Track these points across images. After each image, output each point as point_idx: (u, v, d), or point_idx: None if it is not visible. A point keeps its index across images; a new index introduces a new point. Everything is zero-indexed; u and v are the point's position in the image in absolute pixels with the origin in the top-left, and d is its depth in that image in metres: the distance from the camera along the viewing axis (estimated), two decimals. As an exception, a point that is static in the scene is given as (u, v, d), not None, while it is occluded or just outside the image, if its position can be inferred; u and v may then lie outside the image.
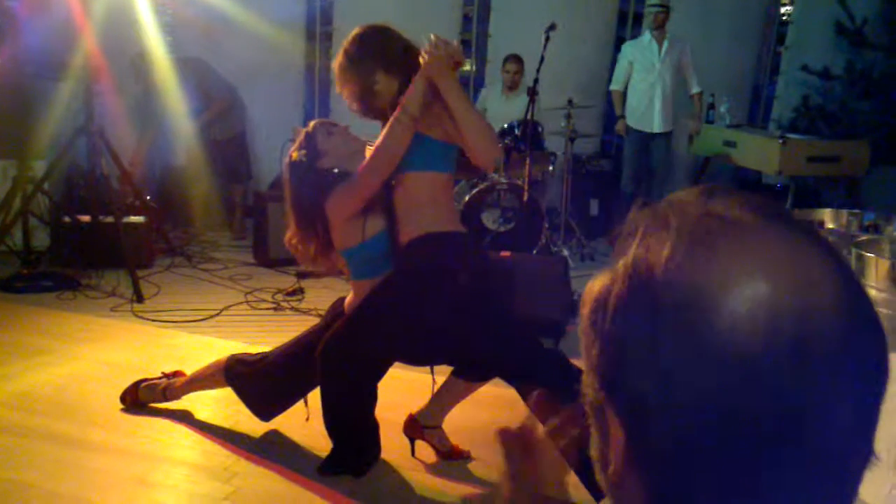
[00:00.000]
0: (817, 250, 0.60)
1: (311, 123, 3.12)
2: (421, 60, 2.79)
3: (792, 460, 0.57)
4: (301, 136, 3.09)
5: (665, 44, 6.78)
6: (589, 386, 0.66)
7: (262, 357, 3.33)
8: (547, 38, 5.75)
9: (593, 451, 0.69)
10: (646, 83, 6.79)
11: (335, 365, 2.96)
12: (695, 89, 6.86)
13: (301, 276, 5.66)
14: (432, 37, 2.79)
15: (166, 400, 3.61)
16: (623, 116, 6.91)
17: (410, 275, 2.94)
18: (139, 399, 3.62)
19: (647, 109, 6.84)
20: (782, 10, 8.30)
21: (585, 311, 0.66)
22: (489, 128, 2.89)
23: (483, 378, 3.30)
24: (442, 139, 2.89)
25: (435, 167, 2.94)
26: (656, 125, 6.83)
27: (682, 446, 0.59)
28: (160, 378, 3.65)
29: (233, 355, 3.44)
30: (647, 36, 6.91)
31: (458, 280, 2.92)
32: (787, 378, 0.56)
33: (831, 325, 0.57)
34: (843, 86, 7.70)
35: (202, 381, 3.51)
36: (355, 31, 3.02)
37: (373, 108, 3.02)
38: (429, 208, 2.95)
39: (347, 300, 3.20)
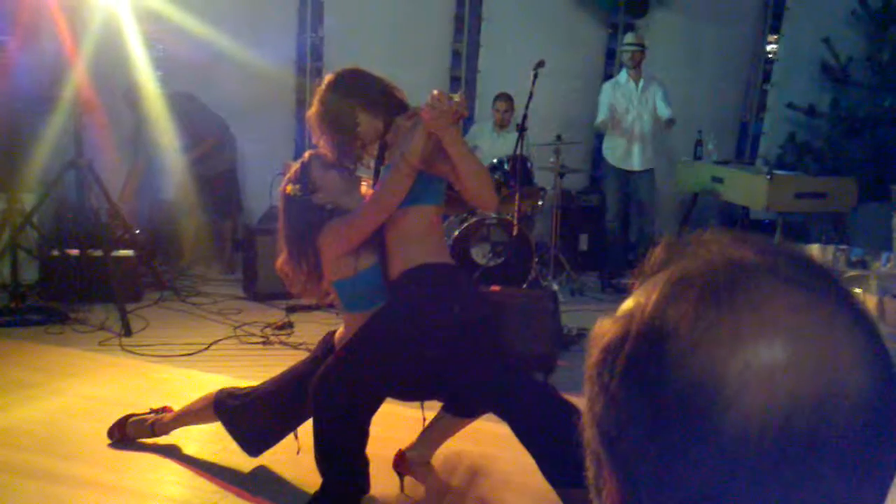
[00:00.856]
0: (846, 323, 0.57)
1: (307, 154, 3.13)
2: (424, 114, 2.80)
3: None
4: (295, 168, 3.09)
5: (641, 82, 6.85)
6: (588, 434, 0.64)
7: (252, 391, 3.31)
8: (535, 75, 5.80)
9: (591, 495, 0.67)
10: (625, 122, 6.85)
11: (328, 399, 2.94)
12: (666, 114, 6.83)
13: (291, 310, 5.65)
14: (435, 92, 2.81)
15: (155, 435, 3.58)
16: (605, 120, 6.92)
17: (402, 307, 2.94)
18: (127, 434, 3.59)
19: (627, 148, 6.88)
20: (767, 48, 8.41)
21: (592, 360, 0.63)
22: (489, 177, 2.93)
23: (473, 413, 3.29)
24: (431, 172, 2.90)
25: (425, 200, 2.95)
26: (636, 163, 6.87)
27: None
28: (148, 413, 3.63)
29: (222, 389, 3.42)
30: (623, 75, 6.98)
31: (451, 312, 2.92)
32: (796, 476, 0.54)
33: (852, 419, 0.54)
34: (828, 123, 7.80)
35: (191, 415, 3.49)
36: (328, 77, 3.03)
37: (352, 152, 3.04)
38: (419, 241, 2.96)
39: (338, 333, 3.20)
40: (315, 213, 3.00)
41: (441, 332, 2.90)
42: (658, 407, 0.57)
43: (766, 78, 8.33)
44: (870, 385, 0.55)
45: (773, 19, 8.31)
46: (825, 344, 0.55)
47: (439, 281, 2.96)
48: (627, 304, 0.64)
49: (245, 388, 3.36)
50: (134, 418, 3.61)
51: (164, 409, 3.62)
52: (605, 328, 0.64)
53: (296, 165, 3.11)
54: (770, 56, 8.39)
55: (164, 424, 3.56)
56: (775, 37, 8.31)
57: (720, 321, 0.56)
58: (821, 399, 0.54)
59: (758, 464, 0.54)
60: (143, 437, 3.58)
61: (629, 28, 7.66)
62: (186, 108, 6.29)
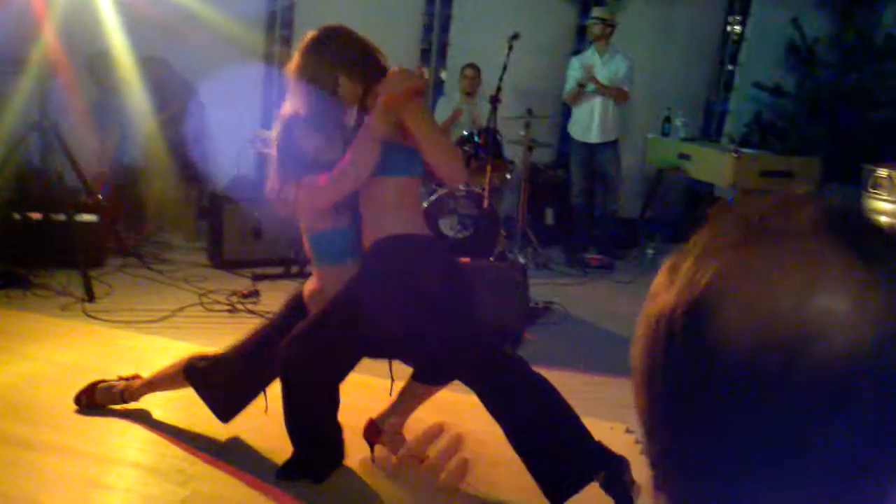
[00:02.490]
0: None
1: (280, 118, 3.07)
2: (381, 95, 2.78)
3: None
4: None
5: (605, 56, 6.86)
6: (640, 402, 0.67)
7: (221, 353, 3.28)
8: (510, 47, 5.79)
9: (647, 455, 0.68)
10: (586, 95, 6.87)
11: (299, 364, 2.92)
12: (622, 85, 6.87)
13: (257, 278, 5.61)
14: (394, 69, 2.78)
15: (124, 402, 3.54)
16: (571, 90, 6.95)
17: (375, 275, 2.92)
18: (96, 401, 3.55)
19: (588, 121, 6.93)
20: (736, 28, 8.45)
21: (644, 329, 0.66)
22: (455, 150, 2.94)
23: (441, 381, 3.29)
24: (408, 144, 2.88)
25: (400, 172, 2.93)
26: (595, 135, 6.91)
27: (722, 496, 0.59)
28: (117, 381, 3.58)
29: (192, 355, 3.39)
30: (591, 49, 7.01)
31: (423, 281, 2.91)
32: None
33: None
34: (793, 103, 7.88)
35: (162, 381, 3.45)
36: (311, 34, 2.99)
37: (330, 114, 3.00)
38: (394, 212, 2.94)
39: (307, 288, 3.18)
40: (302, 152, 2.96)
41: (412, 300, 2.89)
42: (719, 368, 0.57)
43: (734, 58, 8.37)
44: None
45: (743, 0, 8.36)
46: (887, 295, 0.56)
47: (410, 253, 2.95)
48: (680, 271, 0.65)
49: (215, 353, 3.34)
50: (102, 385, 3.56)
51: (134, 377, 3.58)
52: (658, 297, 0.65)
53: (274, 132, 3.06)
54: (734, 37, 8.43)
55: (133, 391, 3.51)
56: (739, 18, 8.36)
57: (778, 278, 0.57)
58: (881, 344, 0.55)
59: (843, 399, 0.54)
60: (111, 405, 3.54)
61: (599, 3, 7.66)
62: (156, 73, 6.18)
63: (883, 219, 3.47)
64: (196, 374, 3.27)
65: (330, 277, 3.01)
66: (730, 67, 8.41)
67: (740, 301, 0.58)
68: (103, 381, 3.58)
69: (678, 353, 0.60)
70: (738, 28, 8.31)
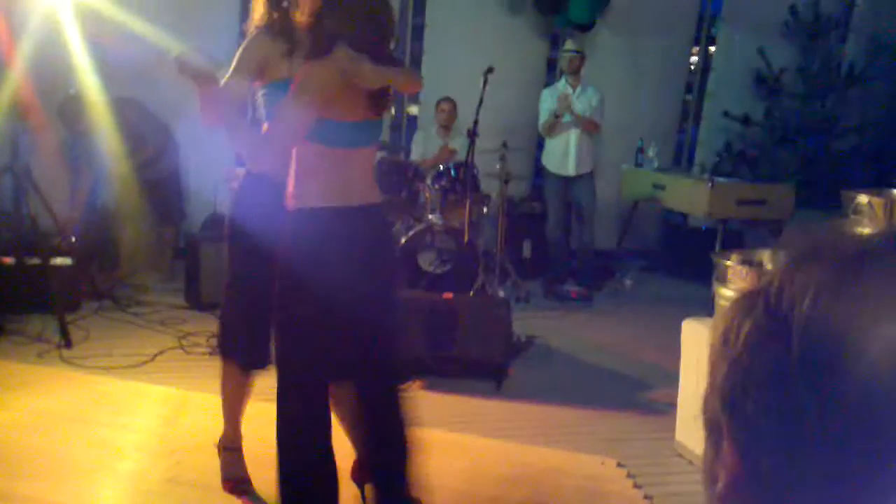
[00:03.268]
0: None
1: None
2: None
3: None
4: None
5: (578, 88, 6.92)
6: (710, 403, 0.66)
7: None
8: (485, 81, 5.83)
9: (704, 465, 0.68)
10: (560, 127, 6.92)
11: (292, 375, 2.87)
12: (594, 117, 6.93)
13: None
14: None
15: (233, 445, 3.43)
16: (547, 121, 6.98)
17: (299, 254, 2.79)
18: (231, 476, 3.40)
19: (563, 153, 6.96)
20: (697, 59, 8.60)
21: (718, 330, 0.66)
22: (410, 72, 3.12)
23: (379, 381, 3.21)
24: (332, 118, 2.74)
25: (322, 142, 2.77)
26: (571, 168, 6.95)
27: (791, 488, 0.59)
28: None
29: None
30: (562, 81, 7.07)
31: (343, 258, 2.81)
32: None
33: None
34: (762, 132, 7.99)
35: (225, 398, 3.40)
36: None
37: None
38: (316, 180, 2.79)
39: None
40: None
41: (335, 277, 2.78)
42: (783, 370, 0.59)
43: (703, 87, 8.50)
44: None
45: (709, 31, 8.50)
46: None
47: (331, 226, 2.82)
48: (756, 278, 0.66)
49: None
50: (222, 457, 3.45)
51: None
52: (730, 307, 0.66)
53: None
54: (692, 67, 8.56)
55: (227, 433, 3.43)
56: (713, 49, 8.50)
57: (845, 298, 0.58)
58: None
59: (881, 419, 0.56)
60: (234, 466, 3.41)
61: (569, 34, 7.74)
62: (129, 115, 6.13)
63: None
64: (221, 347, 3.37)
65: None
66: (698, 97, 8.54)
67: (807, 307, 0.59)
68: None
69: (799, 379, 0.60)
70: (705, 58, 8.45)
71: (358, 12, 2.75)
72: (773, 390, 0.59)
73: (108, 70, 6.17)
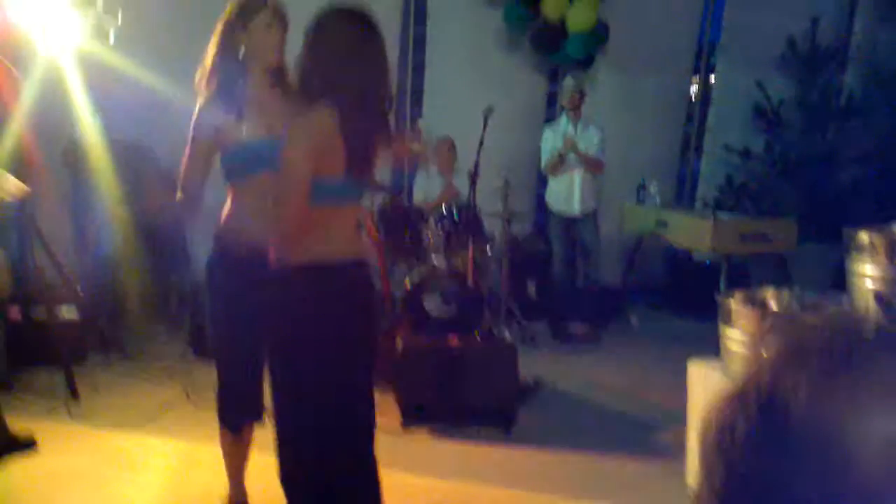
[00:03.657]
0: None
1: None
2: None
3: None
4: None
5: (580, 126, 6.95)
6: None
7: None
8: (485, 122, 5.86)
9: None
10: (564, 166, 6.94)
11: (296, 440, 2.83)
12: (598, 156, 6.96)
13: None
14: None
15: (238, 501, 3.46)
16: (550, 159, 7.02)
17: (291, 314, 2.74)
18: None
19: (567, 193, 6.98)
20: (696, 92, 8.65)
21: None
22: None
23: None
24: (325, 174, 2.66)
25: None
26: (577, 208, 6.97)
27: None
28: None
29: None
30: (563, 119, 7.10)
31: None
32: None
33: None
34: (763, 165, 8.01)
35: (224, 457, 3.42)
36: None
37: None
38: (303, 237, 2.71)
39: (224, 212, 3.17)
40: None
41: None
42: (785, 468, 0.59)
43: (703, 121, 8.54)
44: None
45: (707, 65, 8.55)
46: None
47: (330, 284, 2.76)
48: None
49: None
50: None
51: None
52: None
53: None
54: (691, 100, 8.61)
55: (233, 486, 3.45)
56: (712, 82, 8.55)
57: (839, 392, 0.59)
58: None
59: None
60: None
61: (568, 72, 7.79)
62: (134, 159, 6.17)
63: (867, 283, 3.50)
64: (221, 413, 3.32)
65: (239, 195, 3.12)
66: (699, 131, 8.57)
67: (800, 407, 0.60)
68: None
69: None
70: (704, 92, 8.51)
71: (348, 62, 2.64)
72: (776, 491, 0.59)
73: (111, 115, 6.22)
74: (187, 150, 3.12)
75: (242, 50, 3.04)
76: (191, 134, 3.10)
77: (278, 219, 2.66)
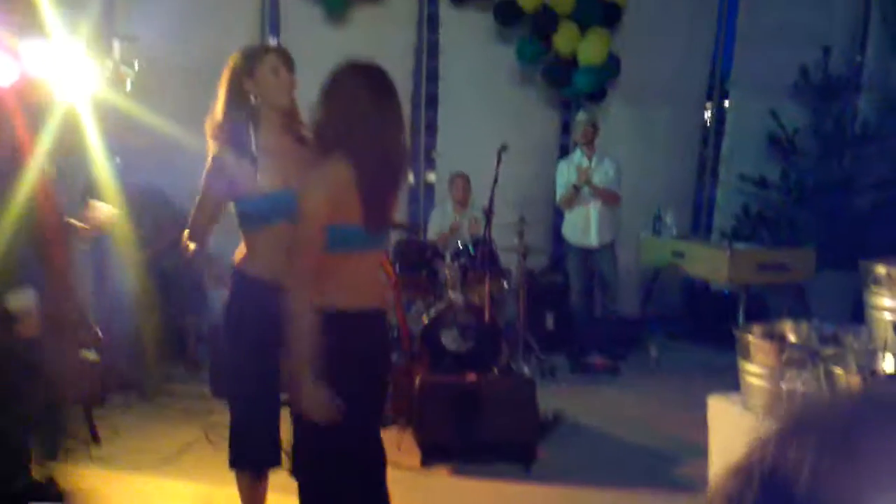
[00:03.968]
0: None
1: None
2: None
3: None
4: None
5: (595, 159, 6.97)
6: None
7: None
8: (499, 159, 5.88)
9: None
10: (580, 199, 6.96)
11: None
12: (613, 189, 6.99)
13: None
14: None
15: None
16: (564, 194, 7.03)
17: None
18: None
19: (584, 225, 6.99)
20: (710, 122, 8.66)
21: None
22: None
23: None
24: (341, 223, 2.74)
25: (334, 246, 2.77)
26: (594, 240, 6.98)
27: None
28: None
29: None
30: (577, 152, 7.12)
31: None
32: None
33: None
34: (779, 193, 8.00)
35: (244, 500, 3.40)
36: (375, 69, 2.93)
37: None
38: (329, 282, 2.77)
39: (237, 256, 3.18)
40: None
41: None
42: None
43: (717, 151, 8.55)
44: None
45: (720, 94, 8.58)
46: None
47: (358, 331, 2.83)
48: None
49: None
50: None
51: None
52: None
53: None
54: (705, 130, 8.62)
55: None
56: (726, 110, 8.57)
57: (841, 469, 0.58)
58: None
59: None
60: None
61: (581, 105, 7.83)
62: (152, 202, 6.23)
63: (886, 315, 3.48)
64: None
65: (256, 244, 3.14)
66: (714, 161, 8.58)
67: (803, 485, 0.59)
68: None
69: None
70: (718, 122, 8.53)
71: (363, 115, 2.71)
72: None
73: (127, 160, 6.29)
74: (198, 200, 3.16)
75: (253, 98, 3.06)
76: (203, 184, 3.14)
77: (293, 267, 2.72)
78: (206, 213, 3.16)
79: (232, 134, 3.05)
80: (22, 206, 5.25)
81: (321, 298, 2.70)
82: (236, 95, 3.07)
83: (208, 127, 3.11)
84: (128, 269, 6.35)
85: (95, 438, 4.89)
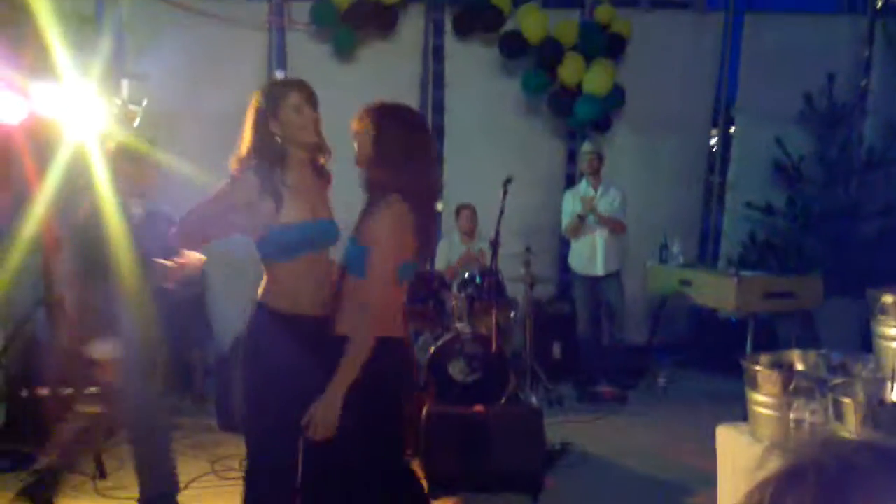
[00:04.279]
0: None
1: None
2: None
3: None
4: None
5: (601, 189, 7.00)
6: None
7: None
8: (505, 191, 5.91)
9: None
10: (586, 229, 6.97)
11: None
12: (619, 218, 7.02)
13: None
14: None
15: None
16: (570, 223, 7.04)
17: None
18: None
19: (591, 254, 7.00)
20: (716, 150, 8.68)
21: None
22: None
23: None
24: (403, 260, 2.96)
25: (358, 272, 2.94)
26: (600, 269, 6.99)
27: None
28: None
29: None
30: (583, 182, 7.15)
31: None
32: None
33: None
34: (785, 220, 8.00)
35: None
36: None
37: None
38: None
39: (264, 288, 3.15)
40: None
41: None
42: None
43: (724, 179, 8.56)
44: None
45: (726, 121, 8.60)
46: None
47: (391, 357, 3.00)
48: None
49: None
50: None
51: None
52: None
53: None
54: (711, 157, 8.63)
55: None
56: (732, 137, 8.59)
57: None
58: None
59: None
60: None
61: (586, 136, 7.87)
62: (162, 227, 6.25)
63: (894, 345, 3.46)
64: None
65: (280, 273, 3.10)
66: (720, 189, 8.59)
67: None
68: None
69: None
70: (724, 150, 8.54)
71: (413, 158, 2.93)
72: None
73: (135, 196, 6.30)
74: (208, 205, 3.05)
75: (278, 138, 3.02)
76: (222, 192, 3.04)
77: (368, 305, 2.87)
78: (210, 221, 3.06)
79: (258, 172, 2.98)
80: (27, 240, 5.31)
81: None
82: (263, 136, 3.02)
83: (232, 164, 3.09)
84: (133, 302, 6.36)
85: (102, 473, 4.88)
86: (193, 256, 4.28)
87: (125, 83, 6.54)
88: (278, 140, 3.02)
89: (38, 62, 5.03)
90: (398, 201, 2.89)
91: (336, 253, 3.17)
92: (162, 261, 4.20)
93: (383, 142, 2.92)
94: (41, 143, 5.27)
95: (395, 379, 3.01)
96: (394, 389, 2.99)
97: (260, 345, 3.11)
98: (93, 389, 5.46)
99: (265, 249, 3.06)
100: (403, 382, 3.07)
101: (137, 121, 5.35)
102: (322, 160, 3.17)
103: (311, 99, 3.08)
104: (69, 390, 5.26)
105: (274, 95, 3.05)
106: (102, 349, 4.26)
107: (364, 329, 2.85)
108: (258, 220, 2.98)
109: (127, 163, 4.28)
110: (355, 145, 3.03)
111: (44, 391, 5.44)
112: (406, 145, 2.93)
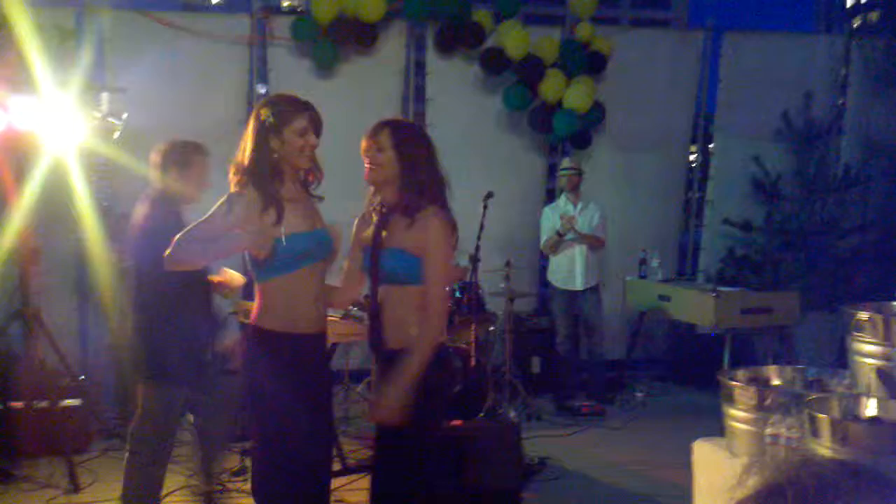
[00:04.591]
0: None
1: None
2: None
3: None
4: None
5: (580, 205, 7.05)
6: None
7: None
8: (485, 207, 5.93)
9: None
10: (564, 244, 7.01)
11: None
12: (597, 233, 7.07)
13: (245, 453, 5.49)
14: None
15: None
16: (549, 240, 7.07)
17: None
18: None
19: (570, 269, 7.03)
20: (695, 167, 8.75)
21: None
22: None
23: None
24: (419, 255, 2.99)
25: (418, 281, 3.01)
26: (579, 284, 7.02)
27: None
28: None
29: None
30: (562, 199, 7.19)
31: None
32: None
33: None
34: (764, 237, 8.06)
35: None
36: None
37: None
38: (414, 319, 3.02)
39: (253, 310, 3.12)
40: None
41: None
42: None
43: (702, 196, 8.63)
44: None
45: (705, 138, 8.68)
46: None
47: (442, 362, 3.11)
48: None
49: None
50: None
51: None
52: None
53: None
54: (689, 175, 8.69)
55: None
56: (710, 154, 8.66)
57: None
58: None
59: None
60: None
61: (566, 152, 7.91)
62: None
63: (869, 361, 3.48)
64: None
65: (276, 289, 3.08)
66: (698, 205, 8.65)
67: None
68: None
69: None
70: (703, 167, 8.61)
71: (437, 169, 3.07)
72: None
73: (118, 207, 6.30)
74: (205, 226, 2.98)
75: (276, 155, 3.00)
76: (220, 211, 2.98)
77: (435, 314, 3.00)
78: (204, 244, 2.99)
79: (256, 184, 2.97)
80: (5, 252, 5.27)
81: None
82: (261, 148, 2.99)
83: (231, 172, 3.07)
84: (111, 316, 6.33)
85: (75, 487, 4.84)
86: (236, 276, 4.26)
87: (105, 97, 6.52)
88: (275, 157, 3.00)
89: (17, 75, 5.01)
90: (438, 213, 3.00)
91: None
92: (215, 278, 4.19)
93: (408, 159, 2.99)
94: (19, 156, 5.24)
95: (450, 381, 3.20)
96: (446, 391, 3.14)
97: (256, 367, 3.06)
98: (68, 402, 5.45)
99: (268, 264, 3.00)
100: (451, 384, 3.27)
101: (117, 134, 5.32)
102: (311, 178, 3.17)
103: (317, 126, 3.07)
104: (44, 404, 5.22)
105: (283, 114, 3.00)
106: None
107: (433, 329, 2.96)
108: (262, 233, 2.95)
109: (193, 155, 4.15)
110: (367, 163, 3.04)
111: (18, 404, 5.39)
112: (427, 159, 3.03)
